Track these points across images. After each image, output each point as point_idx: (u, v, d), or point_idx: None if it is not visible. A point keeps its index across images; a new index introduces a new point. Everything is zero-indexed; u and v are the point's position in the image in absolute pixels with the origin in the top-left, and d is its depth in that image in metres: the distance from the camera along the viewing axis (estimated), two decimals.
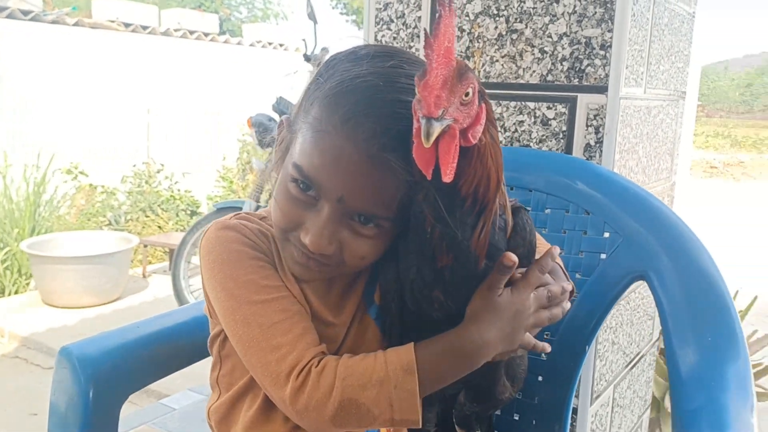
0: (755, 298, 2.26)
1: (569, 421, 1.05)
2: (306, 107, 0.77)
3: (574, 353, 1.04)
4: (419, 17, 1.45)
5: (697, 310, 0.90)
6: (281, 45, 8.27)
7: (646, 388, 1.81)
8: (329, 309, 0.83)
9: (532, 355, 0.98)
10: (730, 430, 0.72)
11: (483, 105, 0.66)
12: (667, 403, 2.12)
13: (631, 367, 1.61)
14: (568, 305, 0.81)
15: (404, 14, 1.46)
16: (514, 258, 0.71)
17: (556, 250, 0.78)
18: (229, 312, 0.77)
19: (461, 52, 1.41)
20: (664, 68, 1.45)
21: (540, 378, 1.08)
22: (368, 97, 0.71)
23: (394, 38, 1.49)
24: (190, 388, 2.97)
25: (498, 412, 1.09)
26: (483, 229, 0.70)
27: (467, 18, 1.38)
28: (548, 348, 0.80)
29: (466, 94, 0.62)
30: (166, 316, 1.03)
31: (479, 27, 1.36)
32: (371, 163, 0.71)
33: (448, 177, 0.64)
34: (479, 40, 1.37)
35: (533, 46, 1.31)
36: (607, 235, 1.06)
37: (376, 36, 1.52)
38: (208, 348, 0.91)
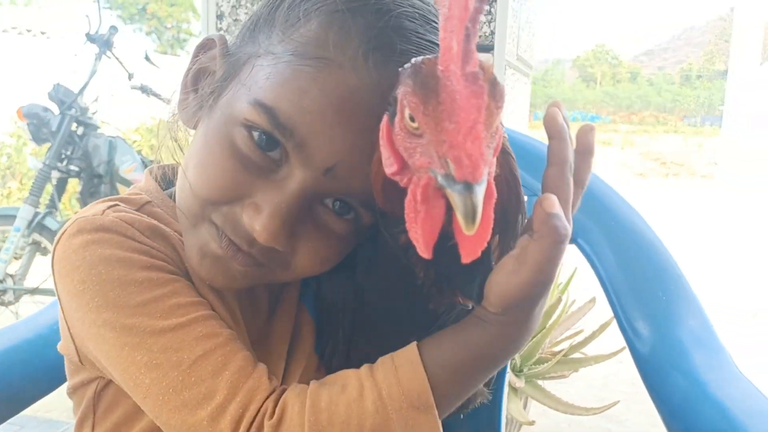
0: (575, 269, 2.40)
1: (503, 405, 0.94)
2: (280, 21, 0.52)
3: None
4: None
5: (639, 271, 0.84)
6: (42, 33, 7.26)
7: None
8: (257, 333, 0.60)
9: None
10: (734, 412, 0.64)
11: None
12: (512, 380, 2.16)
13: None
14: None
15: None
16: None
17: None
18: (124, 353, 0.50)
19: None
20: (525, 36, 1.42)
21: None
22: (403, 26, 0.49)
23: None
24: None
25: None
26: None
27: None
28: None
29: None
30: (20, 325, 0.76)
31: None
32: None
33: (472, 256, 0.42)
34: None
35: None
36: (525, 198, 0.97)
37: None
38: (68, 397, 0.64)
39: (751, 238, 6.75)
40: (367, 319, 0.57)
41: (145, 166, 3.46)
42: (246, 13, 1.33)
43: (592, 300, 2.38)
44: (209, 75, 0.57)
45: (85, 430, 0.62)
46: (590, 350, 2.38)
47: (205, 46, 0.58)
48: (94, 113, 3.30)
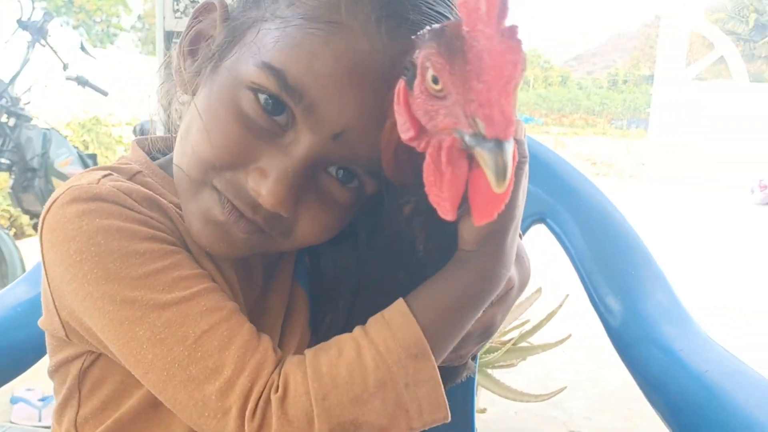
0: None
1: (475, 385, 0.96)
2: None
3: None
4: None
5: (608, 249, 0.88)
6: None
7: None
8: (252, 306, 0.59)
9: None
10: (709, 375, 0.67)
11: None
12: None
13: None
14: None
15: None
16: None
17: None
18: (123, 328, 0.48)
19: None
20: None
21: None
22: None
23: None
24: None
25: None
26: None
27: None
28: None
29: None
30: None
31: None
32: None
33: (487, 218, 0.43)
34: None
35: None
36: None
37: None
38: (49, 377, 0.61)
39: (676, 233, 7.09)
40: (368, 289, 0.57)
41: (82, 160, 3.33)
42: None
43: (539, 290, 2.44)
44: (208, 39, 0.56)
45: (69, 411, 0.60)
46: (536, 340, 2.44)
47: (204, 10, 0.57)
48: (26, 104, 3.15)
